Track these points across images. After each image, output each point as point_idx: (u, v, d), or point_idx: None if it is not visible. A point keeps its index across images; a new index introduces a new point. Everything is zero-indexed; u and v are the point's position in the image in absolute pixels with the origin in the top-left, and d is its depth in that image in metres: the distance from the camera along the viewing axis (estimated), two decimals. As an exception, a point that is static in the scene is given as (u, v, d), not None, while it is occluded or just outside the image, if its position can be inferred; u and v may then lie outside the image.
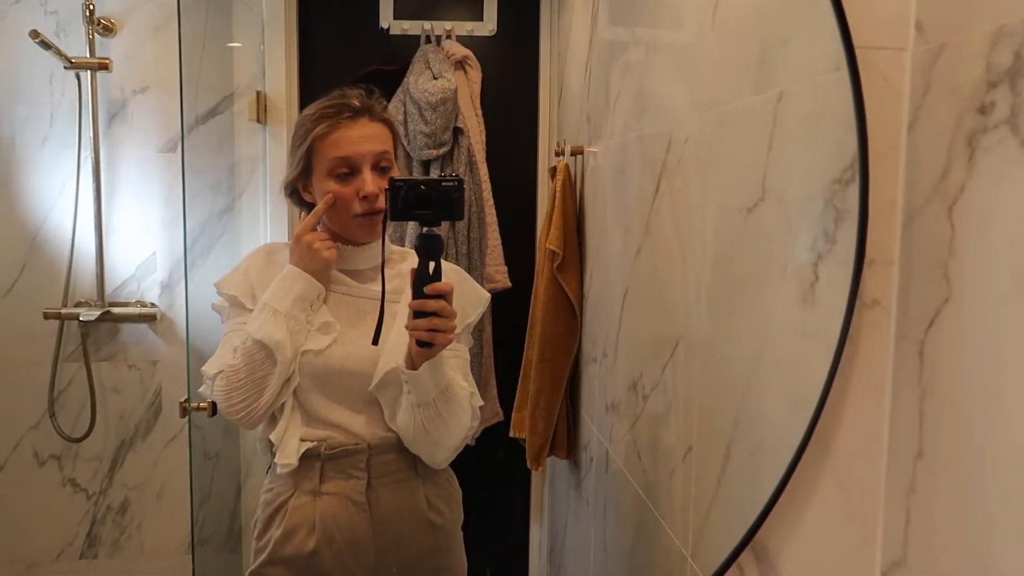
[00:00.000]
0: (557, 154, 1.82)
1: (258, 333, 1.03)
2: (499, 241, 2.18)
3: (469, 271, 2.12)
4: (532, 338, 1.85)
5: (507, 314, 2.18)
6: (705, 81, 1.07)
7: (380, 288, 1.05)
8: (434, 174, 2.07)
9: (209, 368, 1.08)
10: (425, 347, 0.97)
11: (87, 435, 2.05)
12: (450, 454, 1.12)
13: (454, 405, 1.05)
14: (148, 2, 2.08)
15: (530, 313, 1.90)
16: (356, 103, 1.09)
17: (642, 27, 1.37)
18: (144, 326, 2.12)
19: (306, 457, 1.08)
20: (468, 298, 1.16)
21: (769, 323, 0.86)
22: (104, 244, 2.03)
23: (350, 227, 1.10)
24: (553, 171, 1.83)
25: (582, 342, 1.78)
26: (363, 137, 1.07)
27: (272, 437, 1.09)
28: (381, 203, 1.07)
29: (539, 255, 1.96)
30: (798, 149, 0.83)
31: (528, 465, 1.85)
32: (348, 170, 1.07)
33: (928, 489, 0.66)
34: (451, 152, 2.08)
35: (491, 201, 2.17)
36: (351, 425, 1.10)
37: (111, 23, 2.06)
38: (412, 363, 1.01)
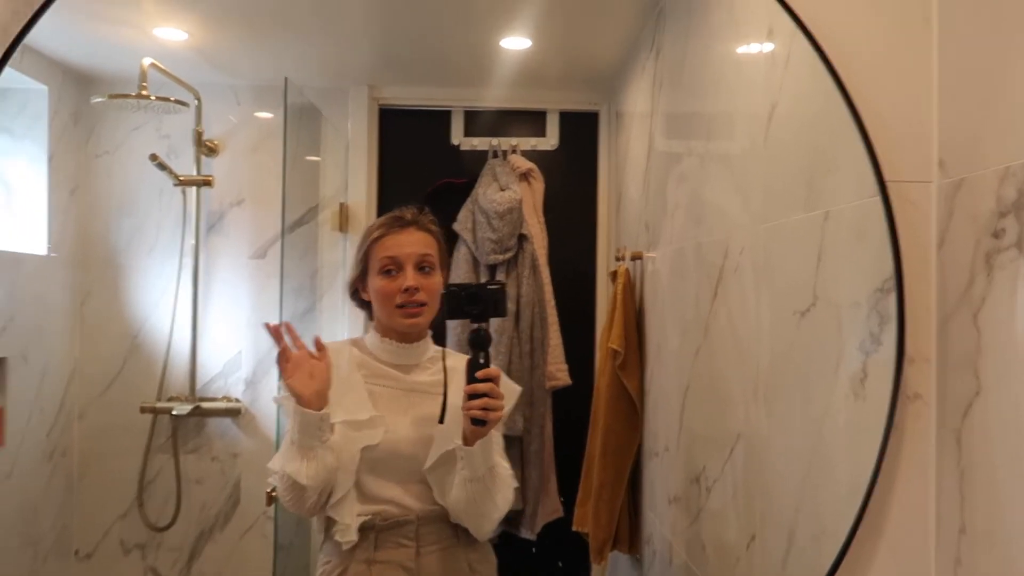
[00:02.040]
0: (618, 259, 1.99)
1: (279, 462, 1.20)
2: (560, 340, 2.34)
3: (531, 369, 2.28)
4: (595, 433, 1.96)
5: (567, 411, 2.31)
6: (759, 197, 1.23)
7: (426, 380, 1.25)
8: (500, 277, 2.26)
9: (273, 464, 1.23)
10: (479, 425, 1.14)
11: (171, 525, 2.21)
12: (494, 526, 1.26)
13: (500, 481, 1.22)
14: (248, 126, 2.37)
15: (592, 409, 2.03)
16: (407, 216, 1.30)
17: (698, 141, 1.56)
18: (228, 420, 2.30)
19: (361, 529, 1.22)
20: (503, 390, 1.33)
21: (824, 416, 0.99)
22: (197, 343, 2.24)
23: (395, 319, 1.27)
24: (614, 275, 1.99)
25: (643, 437, 1.89)
26: (409, 242, 1.27)
27: (331, 514, 1.23)
28: (420, 297, 1.25)
29: (599, 354, 2.10)
30: (844, 261, 0.98)
31: (591, 560, 1.93)
32: (394, 268, 1.26)
33: (971, 560, 0.76)
34: (516, 257, 2.28)
35: (552, 303, 2.34)
36: (402, 500, 1.25)
37: (214, 144, 2.35)
38: (467, 441, 1.17)
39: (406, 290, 1.25)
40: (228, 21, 2.07)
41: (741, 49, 1.33)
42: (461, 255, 2.27)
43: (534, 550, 2.21)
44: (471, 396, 1.13)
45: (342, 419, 1.21)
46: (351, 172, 2.36)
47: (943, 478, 0.80)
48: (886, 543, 0.83)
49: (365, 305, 1.35)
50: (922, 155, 0.88)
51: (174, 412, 2.14)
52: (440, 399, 1.23)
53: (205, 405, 2.25)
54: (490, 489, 1.20)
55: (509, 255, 2.25)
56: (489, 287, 1.17)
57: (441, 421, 1.19)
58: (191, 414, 2.21)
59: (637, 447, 1.90)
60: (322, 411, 1.17)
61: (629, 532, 1.93)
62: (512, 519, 2.26)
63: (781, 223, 1.14)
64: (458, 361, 1.24)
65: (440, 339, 1.36)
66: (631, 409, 1.88)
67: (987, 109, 0.82)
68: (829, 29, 0.96)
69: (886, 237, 0.88)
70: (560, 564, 2.30)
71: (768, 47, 1.20)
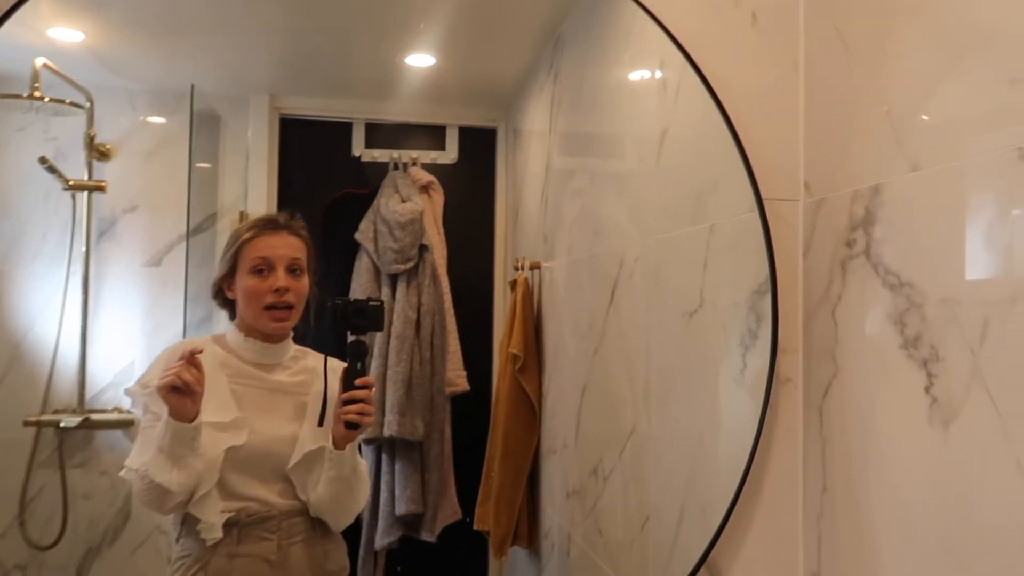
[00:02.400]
0: (517, 269, 2.12)
1: (138, 462, 1.22)
2: (458, 347, 2.43)
3: (431, 376, 2.36)
4: (495, 435, 2.08)
5: (465, 416, 2.41)
6: (652, 212, 1.39)
7: (289, 380, 1.33)
8: (401, 286, 2.34)
9: (131, 462, 1.26)
10: (352, 429, 1.24)
11: (56, 543, 2.14)
12: (353, 518, 1.38)
13: (361, 479, 1.33)
14: (143, 131, 2.34)
15: (492, 413, 2.14)
16: (280, 220, 1.38)
17: (595, 159, 1.72)
18: (119, 432, 2.25)
19: (225, 525, 1.27)
20: None
21: (710, 402, 1.15)
22: (86, 353, 2.18)
23: (262, 319, 1.33)
24: (513, 284, 2.12)
25: (541, 436, 2.02)
26: (282, 244, 1.34)
27: (194, 512, 1.26)
28: (289, 298, 1.32)
29: (498, 359, 2.22)
30: (727, 268, 1.14)
31: (492, 555, 2.03)
32: (266, 268, 1.32)
33: (832, 514, 0.93)
34: (417, 267, 2.37)
35: (452, 311, 2.44)
36: (265, 496, 1.30)
37: (107, 149, 2.30)
38: (337, 444, 1.26)
39: (276, 290, 1.31)
40: (130, 25, 2.06)
41: (636, 77, 1.49)
42: (363, 264, 2.32)
43: (434, 552, 2.28)
44: (347, 402, 1.23)
45: (207, 421, 1.23)
46: (251, 180, 2.37)
47: (808, 447, 0.97)
48: (763, 504, 0.99)
49: (228, 304, 1.39)
50: (791, 178, 1.05)
51: (61, 424, 2.07)
52: (303, 399, 1.32)
53: (95, 417, 2.19)
54: (353, 487, 1.30)
55: (410, 265, 2.33)
56: (371, 303, 1.30)
57: (321, 424, 1.28)
58: (79, 427, 2.15)
59: (535, 446, 2.03)
60: (195, 422, 1.19)
61: (528, 527, 2.05)
62: (412, 523, 2.32)
63: (672, 235, 1.30)
64: (316, 361, 1.33)
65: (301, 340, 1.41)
66: (530, 410, 2.01)
67: (841, 142, 1.01)
68: (714, 67, 1.12)
69: (762, 247, 1.04)
70: (460, 564, 2.39)
71: (660, 77, 1.36)
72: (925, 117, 0.89)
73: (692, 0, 1.14)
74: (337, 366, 1.32)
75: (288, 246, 1.34)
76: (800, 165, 1.06)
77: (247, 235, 1.34)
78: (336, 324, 1.26)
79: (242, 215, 2.29)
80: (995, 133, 0.78)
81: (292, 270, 1.33)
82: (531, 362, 1.99)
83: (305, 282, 1.35)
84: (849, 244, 0.93)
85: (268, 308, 1.31)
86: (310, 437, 1.29)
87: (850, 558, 0.88)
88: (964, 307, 0.80)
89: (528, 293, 2.08)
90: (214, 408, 1.25)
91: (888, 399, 0.85)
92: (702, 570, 1.05)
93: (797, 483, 0.97)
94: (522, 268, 2.12)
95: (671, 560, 1.23)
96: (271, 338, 1.35)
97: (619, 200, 1.59)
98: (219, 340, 1.37)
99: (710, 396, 1.14)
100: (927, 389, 0.82)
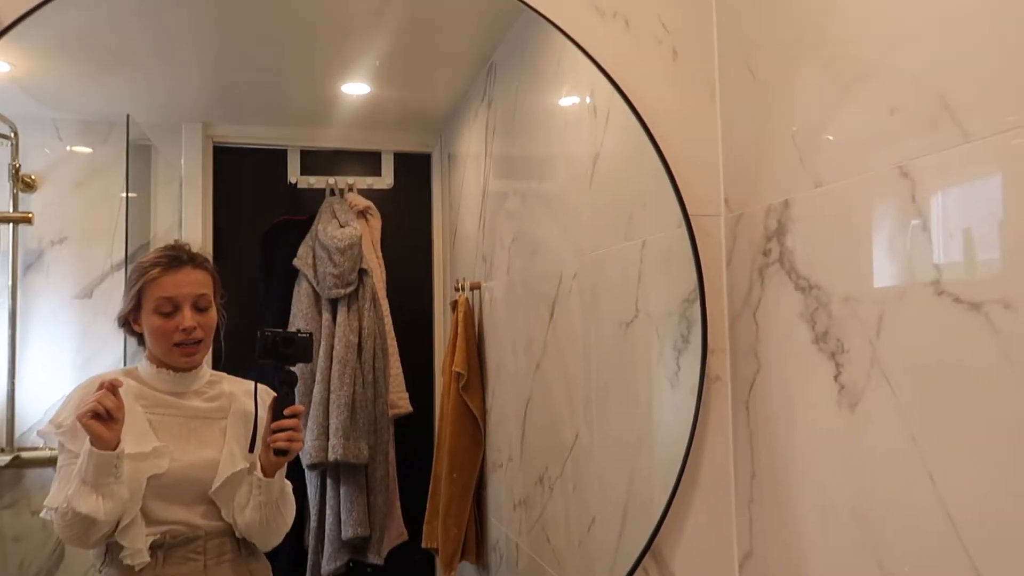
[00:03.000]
0: (456, 290, 2.21)
1: (61, 499, 1.24)
2: (400, 370, 2.50)
3: (374, 399, 2.42)
4: (440, 453, 2.15)
5: (410, 437, 2.47)
6: (588, 230, 1.51)
7: (206, 406, 1.36)
8: (341, 311, 2.40)
9: (52, 501, 1.28)
10: (281, 456, 1.30)
11: (-14, 586, 2.09)
12: (280, 540, 1.42)
13: (288, 500, 1.39)
14: (70, 160, 2.35)
15: (437, 431, 2.22)
16: (182, 255, 1.40)
17: (531, 181, 1.83)
18: (50, 471, 2.22)
19: (150, 547, 1.30)
20: None
21: (648, 405, 1.26)
22: (15, 389, 2.16)
23: (171, 356, 1.37)
24: (455, 304, 2.21)
25: (487, 451, 2.11)
26: (186, 281, 1.37)
27: (120, 541, 1.28)
28: (197, 335, 1.36)
29: (441, 379, 2.30)
30: (659, 279, 1.26)
31: (441, 573, 2.10)
32: (170, 309, 1.35)
33: (761, 498, 1.05)
34: (357, 291, 2.43)
35: (393, 334, 2.50)
36: (189, 519, 1.34)
37: (32, 180, 2.30)
38: (265, 471, 1.32)
39: (184, 330, 1.34)
40: (57, 55, 2.07)
41: (567, 103, 1.62)
42: (302, 290, 2.37)
43: (382, 575, 2.33)
44: (276, 430, 1.28)
45: (127, 452, 1.25)
46: (185, 209, 2.40)
47: (738, 438, 1.10)
48: (699, 493, 1.11)
49: (136, 335, 1.42)
50: (713, 195, 1.19)
51: (-9, 463, 2.05)
52: (222, 423, 1.36)
53: (25, 455, 2.16)
54: (282, 510, 1.36)
55: (350, 289, 2.39)
56: (300, 335, 1.35)
57: (251, 451, 1.33)
58: (9, 466, 2.12)
59: (481, 461, 2.11)
60: (117, 450, 1.22)
61: (476, 542, 2.12)
62: (359, 546, 2.36)
63: (607, 251, 1.42)
64: (232, 385, 1.39)
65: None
66: (475, 427, 2.10)
67: (755, 162, 1.15)
68: (641, 97, 1.26)
69: (690, 259, 1.17)
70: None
71: (591, 103, 1.49)
72: (824, 139, 1.03)
73: (619, 38, 1.27)
74: (263, 389, 1.36)
75: (192, 283, 1.36)
76: (720, 183, 1.20)
77: (151, 274, 1.34)
78: (265, 355, 1.31)
79: (176, 243, 2.32)
80: (880, 153, 0.93)
81: (198, 307, 1.36)
82: (474, 379, 2.08)
83: (213, 314, 1.38)
84: (765, 253, 1.07)
85: (177, 345, 1.34)
86: (230, 460, 1.33)
87: (778, 536, 1.01)
88: (863, 304, 0.94)
89: (469, 313, 2.17)
90: (133, 440, 1.27)
91: (804, 389, 0.98)
92: (647, 557, 1.16)
93: (729, 472, 1.09)
94: (462, 288, 2.21)
95: (617, 554, 1.33)
96: (183, 369, 1.38)
97: (555, 220, 1.70)
98: (131, 373, 1.39)
99: (648, 399, 1.26)
100: (836, 377, 0.96)
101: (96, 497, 1.21)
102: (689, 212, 1.16)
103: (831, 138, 1.02)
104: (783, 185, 1.06)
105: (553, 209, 1.71)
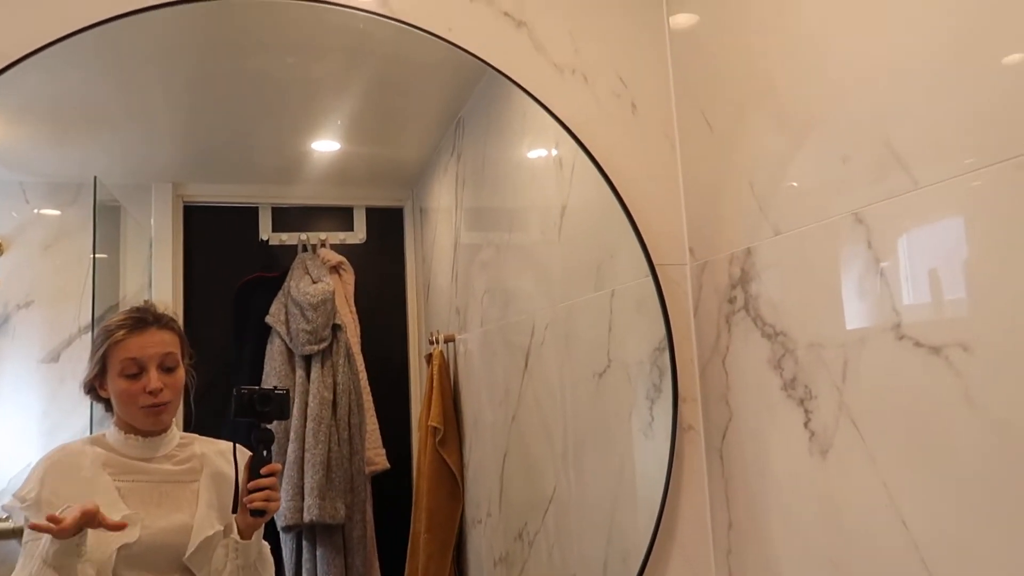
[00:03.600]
0: (431, 343, 2.20)
1: None
2: (376, 425, 2.47)
3: (350, 456, 2.39)
4: (419, 511, 2.12)
5: (388, 494, 2.43)
6: (557, 280, 1.52)
7: (176, 469, 1.33)
8: (315, 367, 2.38)
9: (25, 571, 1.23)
10: (258, 516, 1.28)
11: (-55, 668, 2.01)
12: None
13: (266, 562, 1.36)
14: (36, 223, 2.33)
15: (415, 488, 2.18)
16: (147, 317, 1.39)
17: (501, 233, 1.84)
18: (13, 542, 2.16)
19: None
20: None
21: (623, 456, 1.26)
22: (-21, 457, 2.10)
23: (138, 418, 1.35)
24: (429, 357, 2.20)
25: (465, 507, 2.08)
26: (152, 343, 1.35)
27: None
28: (164, 396, 1.34)
29: (418, 434, 2.27)
30: (629, 328, 1.27)
31: (422, 635, 2.04)
32: (136, 370, 1.33)
33: (739, 548, 1.04)
34: (331, 347, 2.41)
35: (368, 389, 2.48)
36: None
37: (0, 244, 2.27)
38: (242, 533, 1.29)
39: (151, 392, 1.32)
40: (24, 118, 2.08)
41: (534, 155, 1.64)
42: (275, 347, 2.35)
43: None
44: (253, 490, 1.26)
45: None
46: (155, 269, 2.38)
47: (713, 488, 1.09)
48: (677, 544, 1.10)
49: (103, 400, 1.41)
50: (677, 245, 1.20)
51: (-47, 536, 1.98)
52: (193, 486, 1.32)
53: (-12, 526, 2.10)
54: (261, 573, 1.33)
55: (324, 345, 2.38)
56: (277, 392, 1.34)
57: (234, 511, 1.30)
58: (-30, 537, 2.06)
59: (460, 517, 2.08)
60: (79, 534, 1.18)
61: (457, 602, 2.08)
62: (337, 610, 2.31)
63: (577, 301, 1.43)
64: (204, 446, 1.36)
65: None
66: (453, 482, 2.07)
67: (716, 211, 1.16)
68: (603, 150, 1.28)
69: (658, 308, 1.18)
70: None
71: (556, 155, 1.51)
72: (782, 187, 1.06)
73: (579, 94, 1.30)
74: (241, 447, 1.34)
75: (158, 343, 1.34)
76: (684, 232, 1.22)
77: (116, 336, 1.33)
78: (241, 413, 1.30)
79: (146, 304, 2.29)
80: (835, 201, 0.95)
81: (165, 366, 1.34)
82: (451, 434, 2.06)
83: (180, 374, 1.36)
84: (731, 300, 1.08)
85: (144, 407, 1.32)
86: (204, 524, 1.30)
87: (757, 587, 1.00)
88: (827, 349, 0.94)
89: (444, 366, 2.16)
90: (103, 510, 1.21)
91: (776, 436, 0.98)
92: (625, 612, 1.14)
93: (706, 522, 1.08)
94: (437, 341, 2.20)
95: (598, 612, 1.31)
96: (152, 432, 1.35)
97: (526, 270, 1.71)
98: (98, 440, 1.38)
99: (623, 450, 1.25)
100: (806, 424, 0.96)
101: None
102: (654, 262, 1.18)
103: (789, 186, 1.04)
104: (745, 233, 1.08)
105: (524, 260, 1.72)
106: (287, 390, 1.33)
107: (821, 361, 0.96)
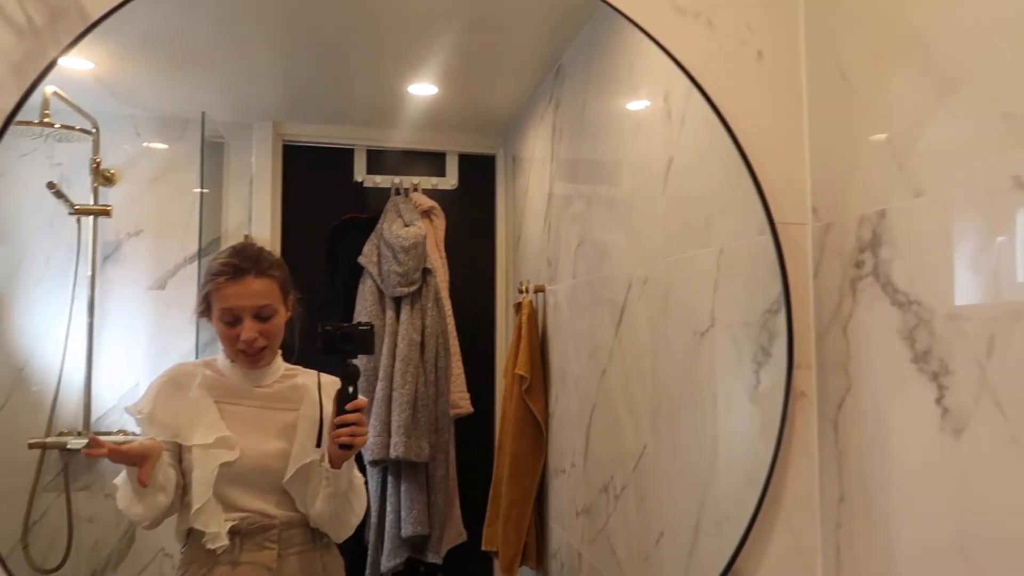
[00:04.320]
0: (521, 292, 2.18)
1: (117, 494, 1.34)
2: (462, 370, 2.48)
3: (436, 398, 2.41)
4: (502, 456, 2.12)
5: (470, 438, 2.45)
6: (660, 236, 1.46)
7: (277, 399, 1.39)
8: (405, 309, 2.39)
9: (118, 479, 1.35)
10: (346, 449, 1.30)
11: (60, 566, 2.14)
12: (352, 530, 1.43)
13: (358, 492, 1.39)
14: (146, 156, 2.39)
15: (498, 434, 2.18)
16: (246, 263, 1.41)
17: (600, 186, 1.78)
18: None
19: (228, 532, 1.34)
20: None
21: (723, 418, 1.20)
22: (92, 376, 2.20)
23: (238, 359, 1.41)
24: (518, 306, 2.18)
25: (548, 456, 2.07)
26: (246, 293, 1.38)
27: (195, 526, 1.34)
28: (259, 343, 1.38)
29: (502, 381, 2.26)
30: (738, 288, 1.20)
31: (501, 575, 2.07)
32: (232, 319, 1.37)
33: (849, 523, 0.99)
34: (420, 290, 2.42)
35: (455, 333, 2.48)
36: (264, 508, 1.37)
37: (111, 174, 2.34)
38: (333, 463, 1.32)
39: (244, 340, 1.36)
40: (137, 54, 2.11)
41: (640, 106, 1.56)
42: (367, 288, 2.37)
43: (440, 574, 2.31)
44: (340, 424, 1.28)
45: (197, 443, 1.33)
46: (255, 205, 2.42)
47: (824, 459, 1.03)
48: (783, 515, 1.05)
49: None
50: (799, 203, 1.12)
51: (69, 446, 2.09)
52: (292, 416, 1.37)
53: (100, 439, 2.20)
54: (351, 501, 1.37)
55: (414, 288, 2.38)
56: (360, 328, 1.34)
57: (318, 445, 1.33)
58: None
59: (543, 466, 2.07)
60: (147, 486, 1.26)
61: (537, 547, 2.09)
62: (418, 544, 2.36)
63: (680, 258, 1.36)
64: (307, 378, 1.40)
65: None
66: (537, 431, 2.06)
67: (845, 169, 1.08)
68: (723, 100, 1.20)
69: (774, 268, 1.11)
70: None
71: (665, 107, 1.44)
72: (926, 146, 0.96)
73: (701, 38, 1.22)
74: (328, 382, 1.36)
75: (252, 295, 1.37)
76: (807, 191, 1.14)
77: (216, 282, 1.37)
78: (325, 350, 1.31)
79: (246, 239, 2.34)
80: (992, 162, 0.85)
81: (260, 316, 1.37)
82: (537, 383, 2.04)
83: (278, 320, 1.39)
84: (857, 265, 1.00)
85: (239, 351, 1.37)
86: (301, 452, 1.35)
87: (868, 566, 0.94)
88: (971, 323, 0.87)
89: (533, 315, 2.13)
90: (204, 429, 1.33)
91: (901, 411, 0.92)
92: (727, 577, 1.10)
93: (814, 494, 1.03)
94: (526, 291, 2.18)
95: (687, 572, 1.28)
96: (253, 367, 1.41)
97: (624, 224, 1.65)
98: (210, 364, 1.44)
99: (723, 412, 1.20)
100: (938, 400, 0.89)
101: (135, 501, 1.29)
102: (775, 220, 1.10)
103: (934, 145, 0.95)
104: (878, 194, 0.99)
105: (622, 214, 1.66)
106: (371, 325, 1.34)
107: (962, 334, 0.88)
